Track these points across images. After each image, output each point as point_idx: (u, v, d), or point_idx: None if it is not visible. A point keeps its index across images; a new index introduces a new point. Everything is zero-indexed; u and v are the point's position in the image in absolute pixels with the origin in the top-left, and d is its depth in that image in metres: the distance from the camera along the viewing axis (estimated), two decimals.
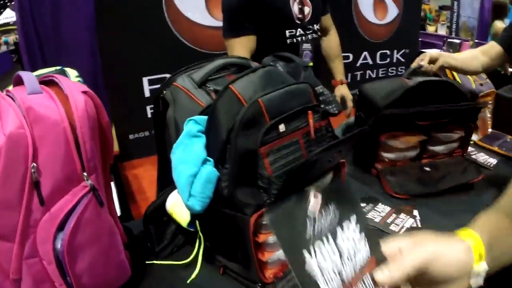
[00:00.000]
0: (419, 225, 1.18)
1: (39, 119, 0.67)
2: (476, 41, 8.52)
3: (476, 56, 1.62)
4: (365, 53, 4.63)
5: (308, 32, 1.79)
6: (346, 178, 1.31)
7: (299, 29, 1.75)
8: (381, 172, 1.38)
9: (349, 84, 4.62)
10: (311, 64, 1.82)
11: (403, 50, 5.10)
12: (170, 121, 0.90)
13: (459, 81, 1.87)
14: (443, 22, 11.37)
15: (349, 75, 4.57)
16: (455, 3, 9.35)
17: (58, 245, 0.69)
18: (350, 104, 2.09)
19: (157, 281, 0.94)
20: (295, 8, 1.72)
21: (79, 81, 2.17)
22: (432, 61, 1.53)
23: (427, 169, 1.41)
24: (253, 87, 0.78)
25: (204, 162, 0.78)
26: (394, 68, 5.10)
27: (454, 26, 9.46)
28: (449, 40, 5.79)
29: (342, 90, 2.10)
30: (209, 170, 0.76)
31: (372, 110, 1.34)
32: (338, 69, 2.12)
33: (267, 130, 0.76)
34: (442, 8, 13.13)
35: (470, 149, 1.73)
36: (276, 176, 0.77)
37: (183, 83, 0.90)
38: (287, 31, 1.72)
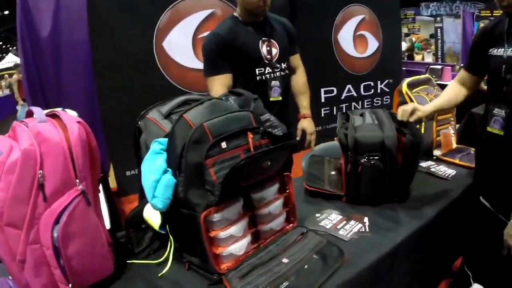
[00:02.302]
0: (367, 230, 1.35)
1: (45, 140, 0.93)
2: (462, 64, 8.82)
3: (458, 90, 1.74)
4: (349, 85, 4.79)
5: (276, 70, 2.05)
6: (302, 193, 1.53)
7: (267, 68, 2.02)
8: None
9: (335, 116, 4.85)
10: (279, 98, 2.08)
11: (387, 80, 5.23)
12: (142, 144, 1.17)
13: (415, 102, 2.02)
14: (429, 50, 11.71)
15: (335, 108, 4.77)
16: (439, 30, 9.72)
17: (55, 234, 0.94)
18: (308, 137, 2.27)
19: (135, 276, 1.16)
20: (263, 49, 2.00)
21: None
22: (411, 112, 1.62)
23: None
24: (200, 115, 1.05)
25: (165, 172, 1.03)
26: (379, 98, 5.20)
27: (439, 53, 9.81)
28: (431, 67, 6.04)
29: (303, 124, 2.28)
30: (168, 178, 1.02)
31: None
32: (302, 104, 2.30)
33: (210, 146, 1.01)
34: (432, 36, 13.32)
35: (430, 163, 1.91)
36: (220, 182, 1.02)
37: (153, 115, 1.17)
38: (257, 70, 2.00)
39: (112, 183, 2.92)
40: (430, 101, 2.09)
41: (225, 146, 1.04)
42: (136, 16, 3.03)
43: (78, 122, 1.03)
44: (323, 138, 4.63)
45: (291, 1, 4.07)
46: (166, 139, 1.06)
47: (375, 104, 5.23)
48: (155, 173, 1.02)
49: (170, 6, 3.14)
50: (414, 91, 2.12)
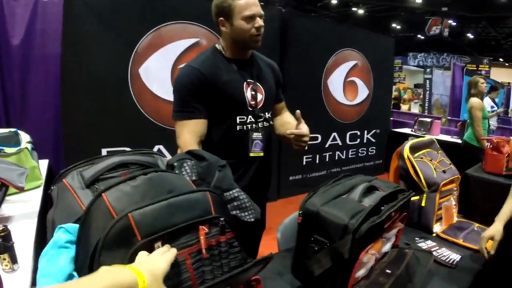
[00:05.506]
0: None
1: None
2: (449, 118, 8.77)
3: None
4: (335, 133, 4.62)
5: (259, 120, 1.70)
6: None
7: (250, 116, 1.67)
8: None
9: (317, 165, 4.58)
10: (261, 154, 1.72)
11: (374, 130, 5.11)
12: (49, 223, 0.79)
13: (419, 170, 1.80)
14: (416, 101, 11.67)
15: (317, 156, 4.52)
16: (427, 81, 9.76)
17: None
18: (302, 143, 1.67)
19: None
20: (248, 94, 1.66)
21: (30, 146, 2.09)
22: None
23: (388, 271, 1.34)
24: (127, 197, 0.71)
25: (70, 277, 0.68)
26: (364, 148, 5.07)
27: (426, 104, 9.81)
28: (420, 119, 5.85)
29: (300, 125, 1.68)
30: None
31: (340, 233, 1.19)
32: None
33: (136, 250, 0.66)
34: (417, 86, 13.43)
35: (430, 243, 1.65)
36: None
37: (71, 181, 0.81)
38: (238, 117, 1.65)
39: None
40: (434, 169, 1.83)
41: None
42: (114, 35, 2.79)
43: None
44: (303, 187, 4.37)
45: (282, 40, 3.86)
46: (77, 226, 0.71)
47: (359, 154, 5.01)
48: (55, 279, 0.66)
49: (153, 30, 2.88)
50: (416, 155, 1.85)
